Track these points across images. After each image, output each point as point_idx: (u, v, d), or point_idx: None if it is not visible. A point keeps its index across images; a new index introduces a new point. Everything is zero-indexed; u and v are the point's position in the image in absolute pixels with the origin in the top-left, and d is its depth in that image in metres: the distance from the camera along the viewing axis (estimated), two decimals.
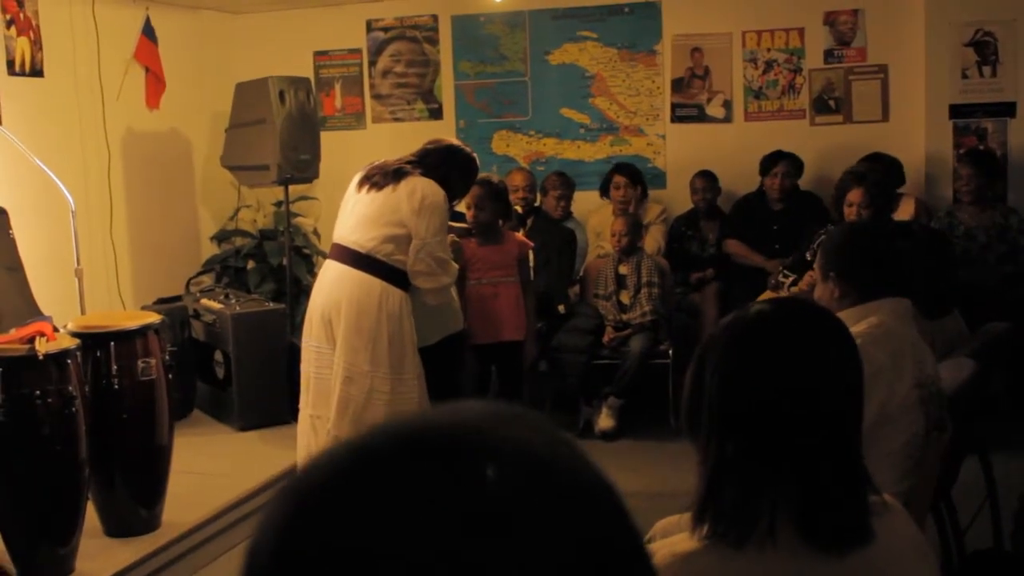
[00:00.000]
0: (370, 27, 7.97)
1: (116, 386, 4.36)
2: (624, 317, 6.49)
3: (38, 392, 3.95)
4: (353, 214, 4.66)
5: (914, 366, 2.88)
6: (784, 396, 1.72)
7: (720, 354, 1.79)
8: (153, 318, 4.61)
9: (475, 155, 4.91)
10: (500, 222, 5.30)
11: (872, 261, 3.01)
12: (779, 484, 1.70)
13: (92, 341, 4.34)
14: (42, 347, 3.94)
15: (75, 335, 4.30)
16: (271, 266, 7.50)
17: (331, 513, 0.68)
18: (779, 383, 1.73)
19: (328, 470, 0.70)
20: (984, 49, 6.97)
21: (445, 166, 4.71)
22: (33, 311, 5.82)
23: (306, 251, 7.75)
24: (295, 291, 6.98)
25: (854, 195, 5.23)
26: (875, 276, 2.99)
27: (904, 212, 6.38)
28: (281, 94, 6.53)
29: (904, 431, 2.85)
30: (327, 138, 7.26)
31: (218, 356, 6.27)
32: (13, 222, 5.91)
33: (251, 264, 7.64)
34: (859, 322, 2.90)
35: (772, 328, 1.79)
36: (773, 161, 6.96)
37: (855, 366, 1.79)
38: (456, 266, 4.79)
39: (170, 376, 4.58)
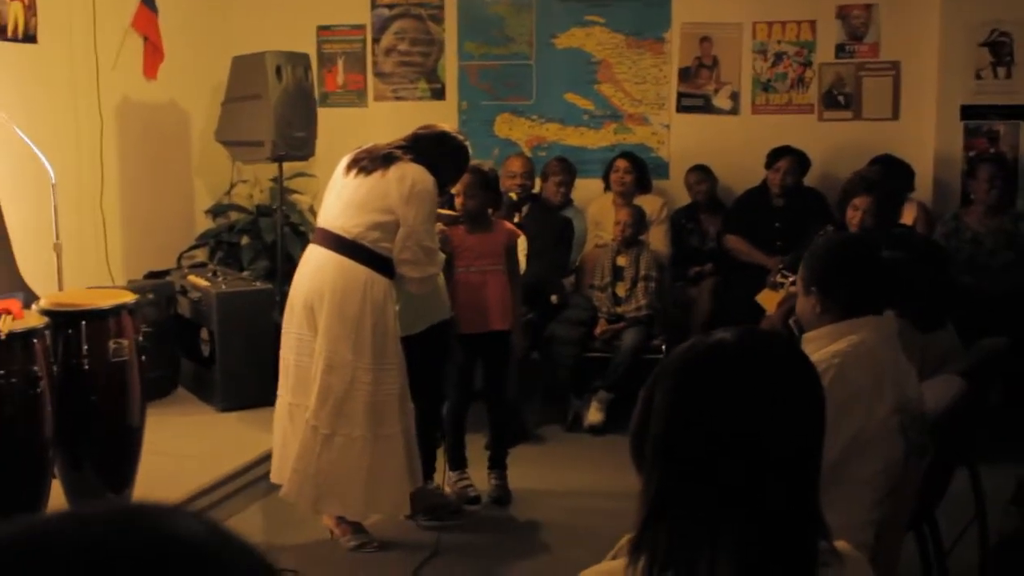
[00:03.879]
0: (375, 3, 7.83)
1: (86, 367, 4.26)
2: (618, 310, 6.36)
3: (1, 372, 3.86)
4: (340, 199, 4.54)
5: (895, 389, 2.75)
6: (734, 436, 1.60)
7: (670, 382, 1.67)
8: (127, 298, 4.50)
9: (467, 143, 4.79)
10: (490, 210, 5.19)
11: (856, 277, 2.88)
12: (721, 527, 1.58)
13: (62, 320, 4.24)
14: (5, 326, 3.84)
15: (45, 313, 4.20)
16: (265, 243, 7.39)
17: None
18: (729, 421, 1.61)
19: None
20: (999, 50, 6.80)
21: (436, 152, 4.59)
22: (17, 284, 5.73)
23: (302, 229, 7.63)
24: (287, 269, 6.86)
25: (861, 201, 5.07)
26: (859, 293, 2.86)
27: (905, 217, 6.23)
28: (278, 69, 6.40)
29: (882, 457, 2.72)
30: (328, 115, 7.14)
31: (204, 334, 6.18)
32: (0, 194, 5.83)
33: (245, 240, 7.53)
34: (840, 339, 2.78)
35: (729, 361, 1.67)
36: (777, 156, 6.83)
37: (816, 410, 1.66)
38: (443, 256, 4.68)
39: (143, 357, 4.48)
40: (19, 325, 3.92)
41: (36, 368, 3.92)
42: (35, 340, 3.95)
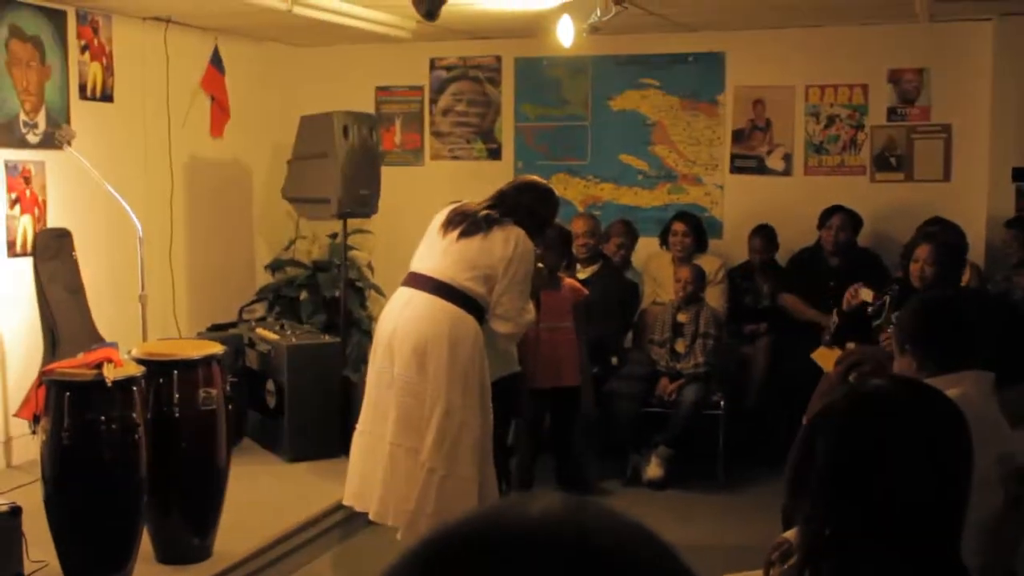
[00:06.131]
0: (433, 65, 8.02)
1: (177, 415, 4.38)
2: (677, 366, 6.46)
3: (103, 418, 3.99)
4: (446, 254, 4.64)
5: (995, 441, 2.84)
6: (902, 480, 1.71)
7: (839, 429, 1.78)
8: (216, 348, 4.63)
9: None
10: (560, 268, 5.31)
11: (949, 332, 2.98)
12: (879, 566, 1.69)
13: (156, 369, 4.36)
14: (110, 374, 3.97)
15: (140, 362, 4.33)
16: (324, 298, 7.53)
17: None
18: (899, 467, 1.72)
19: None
20: None
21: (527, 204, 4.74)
22: (93, 334, 5.88)
23: (359, 284, 7.78)
24: (347, 324, 7.00)
25: (921, 251, 5.26)
26: (953, 347, 2.96)
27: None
28: (345, 129, 6.56)
29: (981, 507, 2.80)
30: (385, 173, 7.32)
31: (270, 386, 6.29)
32: (77, 244, 6.00)
33: (304, 295, 7.68)
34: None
35: (896, 411, 1.78)
36: (829, 214, 6.93)
37: (968, 457, 1.77)
38: (533, 314, 4.78)
39: (229, 407, 4.61)
40: (120, 373, 4.05)
41: (135, 415, 4.05)
42: (134, 388, 4.08)
